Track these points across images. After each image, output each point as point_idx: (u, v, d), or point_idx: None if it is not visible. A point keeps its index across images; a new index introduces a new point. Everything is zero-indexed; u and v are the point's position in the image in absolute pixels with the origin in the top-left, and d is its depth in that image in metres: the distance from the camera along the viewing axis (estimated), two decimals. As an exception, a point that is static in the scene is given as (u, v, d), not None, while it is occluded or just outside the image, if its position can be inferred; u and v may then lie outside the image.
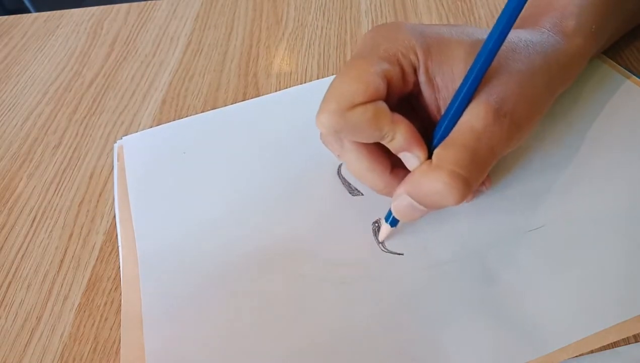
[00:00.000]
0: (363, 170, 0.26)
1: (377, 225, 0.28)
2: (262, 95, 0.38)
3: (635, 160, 0.29)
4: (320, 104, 0.24)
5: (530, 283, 0.25)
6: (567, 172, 0.29)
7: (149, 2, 0.51)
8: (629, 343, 0.23)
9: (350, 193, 0.30)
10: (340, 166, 0.31)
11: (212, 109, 0.37)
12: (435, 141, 0.24)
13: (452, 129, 0.23)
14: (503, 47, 0.24)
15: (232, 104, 0.38)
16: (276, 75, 0.40)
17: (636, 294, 0.24)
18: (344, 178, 0.31)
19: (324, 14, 0.46)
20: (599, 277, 0.24)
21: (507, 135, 0.23)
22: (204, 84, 0.40)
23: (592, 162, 0.29)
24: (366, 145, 0.26)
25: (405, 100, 0.26)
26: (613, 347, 0.23)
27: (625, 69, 0.34)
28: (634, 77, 0.33)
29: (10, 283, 0.29)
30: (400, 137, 0.24)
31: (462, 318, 0.24)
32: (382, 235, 0.27)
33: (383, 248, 0.27)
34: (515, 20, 0.21)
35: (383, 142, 0.24)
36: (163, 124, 0.37)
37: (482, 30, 0.26)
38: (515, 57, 0.25)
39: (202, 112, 0.37)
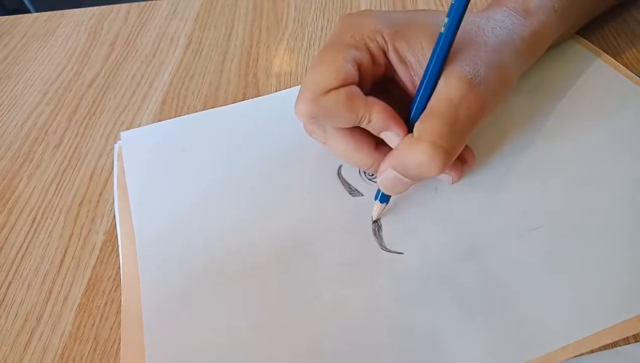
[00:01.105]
0: (350, 152, 0.28)
1: (377, 224, 0.28)
2: (262, 95, 0.38)
3: (636, 160, 0.29)
4: (297, 95, 0.25)
5: (530, 283, 0.25)
6: (568, 172, 0.29)
7: (149, 2, 0.51)
8: (629, 343, 0.23)
9: (350, 193, 0.30)
10: (340, 167, 0.31)
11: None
12: (412, 114, 0.25)
13: (428, 99, 0.24)
14: (469, 26, 0.26)
15: (232, 103, 0.38)
16: (276, 75, 0.40)
17: (636, 294, 0.24)
18: (343, 179, 0.31)
19: (324, 14, 0.46)
20: (599, 276, 0.24)
21: (482, 103, 0.24)
22: (204, 84, 0.40)
23: (592, 162, 0.29)
24: (348, 128, 0.27)
25: (381, 84, 0.28)
26: (613, 347, 0.23)
27: (630, 71, 0.34)
28: (635, 77, 0.33)
29: (10, 283, 0.29)
30: (376, 118, 0.25)
31: (462, 318, 0.24)
32: (375, 213, 0.28)
33: (383, 248, 0.27)
34: None
35: (362, 125, 0.26)
36: (163, 124, 0.37)
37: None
38: (480, 32, 0.26)
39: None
